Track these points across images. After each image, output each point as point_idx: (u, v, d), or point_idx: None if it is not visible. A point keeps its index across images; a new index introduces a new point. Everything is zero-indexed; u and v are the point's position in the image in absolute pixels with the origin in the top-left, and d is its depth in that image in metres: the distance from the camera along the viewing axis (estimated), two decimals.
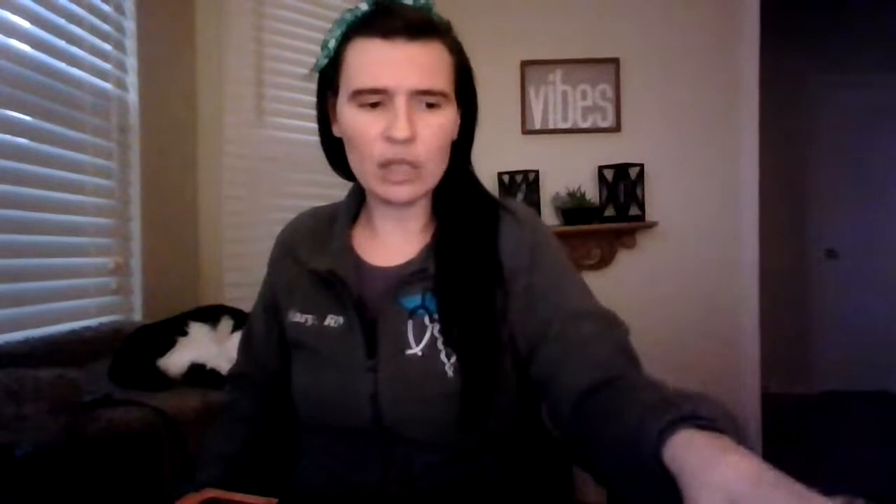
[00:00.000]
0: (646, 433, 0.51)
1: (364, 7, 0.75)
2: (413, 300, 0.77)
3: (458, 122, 0.81)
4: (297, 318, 0.82)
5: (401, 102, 0.71)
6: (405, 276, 0.78)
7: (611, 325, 0.74)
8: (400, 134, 0.70)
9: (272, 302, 0.89)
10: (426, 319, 0.76)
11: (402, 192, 0.75)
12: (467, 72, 0.81)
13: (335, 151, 0.83)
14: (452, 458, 0.76)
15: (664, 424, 0.50)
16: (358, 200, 0.88)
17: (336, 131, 0.80)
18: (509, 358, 0.78)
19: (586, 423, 0.65)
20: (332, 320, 0.79)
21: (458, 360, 0.74)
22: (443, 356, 0.74)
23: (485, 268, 0.77)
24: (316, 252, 0.83)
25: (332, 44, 0.76)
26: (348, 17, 0.75)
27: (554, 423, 0.74)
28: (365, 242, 0.85)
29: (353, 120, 0.74)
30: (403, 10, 0.73)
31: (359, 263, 0.82)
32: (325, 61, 0.77)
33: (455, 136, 0.81)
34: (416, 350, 0.75)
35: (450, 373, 0.73)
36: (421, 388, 0.74)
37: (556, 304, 0.75)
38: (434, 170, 0.77)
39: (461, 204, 0.82)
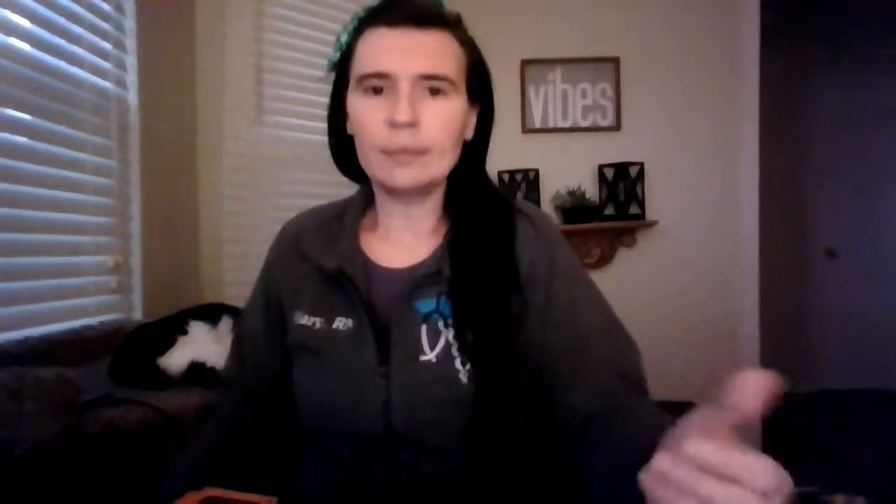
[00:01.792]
0: (630, 450, 0.53)
1: (374, 1, 0.76)
2: (427, 304, 0.75)
3: (474, 120, 0.80)
4: (305, 320, 0.79)
5: (404, 87, 0.70)
6: (418, 279, 0.75)
7: (621, 352, 0.74)
8: (401, 117, 0.69)
9: (276, 301, 0.85)
10: (440, 324, 0.74)
11: (406, 176, 0.74)
12: (482, 68, 0.79)
13: (344, 153, 0.82)
14: (461, 463, 0.75)
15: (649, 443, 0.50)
16: (366, 199, 0.86)
17: (349, 128, 0.79)
18: (521, 364, 0.77)
19: (583, 448, 0.67)
20: (340, 323, 0.77)
21: (472, 366, 0.72)
22: (457, 363, 0.72)
23: (502, 272, 0.76)
24: (323, 250, 0.80)
25: (343, 38, 0.77)
26: (360, 13, 0.76)
27: (554, 437, 0.74)
28: (373, 243, 0.82)
29: (358, 107, 0.74)
30: (411, 2, 0.74)
31: (368, 264, 0.80)
32: (337, 55, 0.78)
33: (470, 135, 0.80)
34: (430, 356, 0.73)
35: (464, 380, 0.72)
36: (434, 394, 0.72)
37: (571, 320, 0.75)
38: (440, 158, 0.75)
39: (475, 205, 0.80)
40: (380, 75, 0.71)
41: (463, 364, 0.72)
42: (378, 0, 0.76)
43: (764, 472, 0.36)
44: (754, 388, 0.39)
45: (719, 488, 0.36)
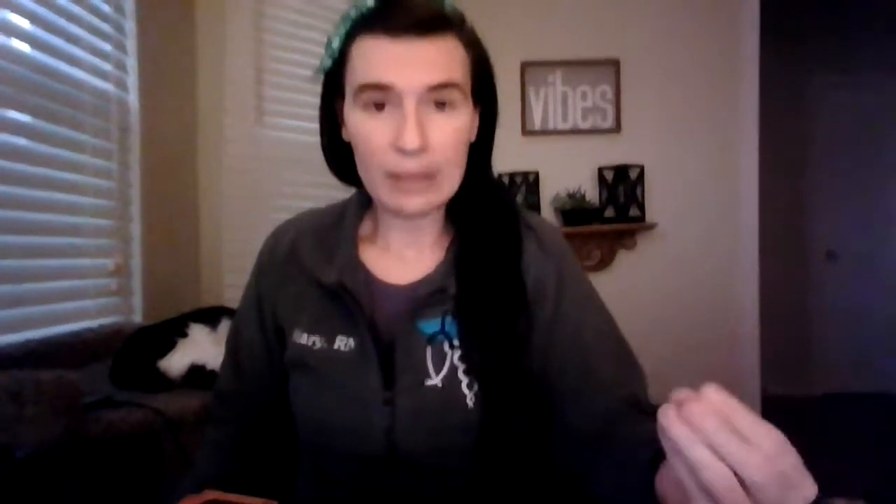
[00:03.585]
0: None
1: (369, 2, 0.68)
2: (431, 325, 0.71)
3: (477, 122, 0.75)
4: (303, 339, 0.75)
5: (410, 106, 0.64)
6: (422, 298, 0.72)
7: (627, 378, 0.73)
8: (409, 144, 0.64)
9: (270, 313, 0.81)
10: (445, 346, 0.71)
11: (414, 204, 0.68)
12: (486, 68, 0.74)
13: (339, 156, 0.77)
14: (463, 482, 0.73)
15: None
16: (363, 205, 0.82)
17: (346, 136, 0.74)
18: (527, 384, 0.75)
19: (586, 462, 0.68)
20: (342, 342, 0.73)
21: (480, 389, 0.69)
22: (464, 387, 0.69)
23: (510, 291, 0.72)
24: (321, 261, 0.76)
25: (336, 43, 0.70)
26: (353, 13, 0.69)
27: (553, 451, 0.75)
28: (373, 254, 0.78)
29: (359, 125, 0.68)
30: (411, 4, 0.66)
31: (369, 279, 0.76)
32: (329, 62, 0.71)
33: (473, 137, 0.75)
34: (435, 381, 0.70)
35: (471, 404, 0.69)
36: (440, 419, 0.69)
37: (578, 341, 0.73)
38: (449, 179, 0.70)
39: (481, 216, 0.76)
40: (381, 87, 0.65)
41: (469, 387, 0.69)
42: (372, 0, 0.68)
43: (771, 437, 0.39)
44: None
45: (733, 442, 0.39)
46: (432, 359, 0.70)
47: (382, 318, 0.73)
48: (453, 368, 0.70)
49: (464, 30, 0.71)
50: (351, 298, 0.72)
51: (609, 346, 0.75)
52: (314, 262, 0.76)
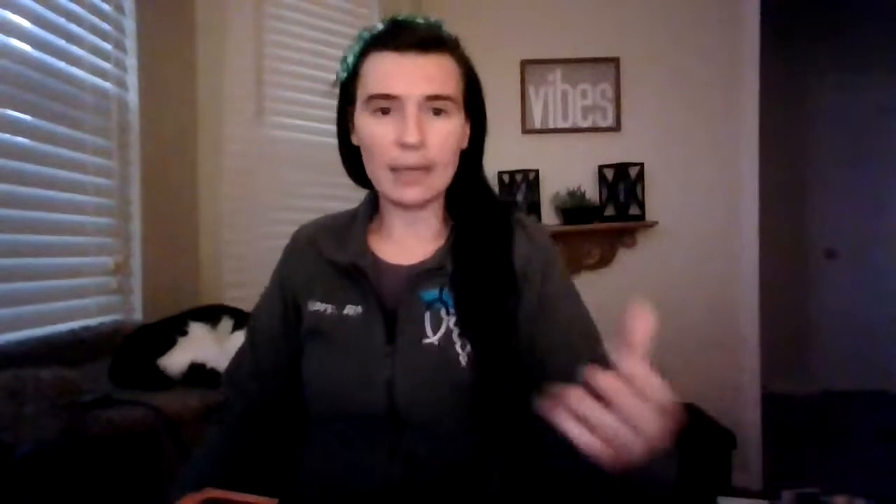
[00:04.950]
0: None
1: (380, 26, 0.83)
2: (431, 293, 0.83)
3: (468, 131, 0.88)
4: (317, 307, 0.87)
5: (411, 109, 0.78)
6: (423, 272, 0.84)
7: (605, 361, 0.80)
8: (410, 138, 0.77)
9: (292, 300, 0.92)
10: (442, 312, 0.82)
11: (412, 194, 0.82)
12: (476, 83, 0.88)
13: (352, 160, 0.90)
14: (459, 444, 0.81)
15: None
16: (373, 207, 0.94)
17: (354, 140, 0.87)
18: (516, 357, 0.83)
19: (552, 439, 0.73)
20: (351, 309, 0.85)
21: (472, 350, 0.79)
22: (457, 346, 0.80)
23: (500, 268, 0.83)
24: (336, 247, 0.88)
25: (350, 59, 0.84)
26: (366, 35, 0.84)
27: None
28: (381, 244, 0.90)
29: (368, 128, 0.81)
30: (415, 28, 0.82)
31: (377, 260, 0.88)
32: (344, 75, 0.85)
33: (465, 144, 0.88)
34: (432, 339, 0.81)
35: (463, 362, 0.79)
36: (435, 375, 0.79)
37: (563, 322, 0.83)
38: (442, 174, 0.83)
39: (475, 211, 0.89)
40: (388, 97, 0.79)
41: (462, 348, 0.80)
42: (382, 24, 0.83)
43: (664, 391, 0.50)
44: (642, 326, 0.52)
45: (636, 404, 0.49)
46: (430, 321, 0.82)
47: (388, 290, 0.85)
48: (449, 330, 0.81)
49: (457, 51, 0.86)
50: (360, 274, 0.84)
51: (588, 333, 0.86)
52: (330, 248, 0.89)
